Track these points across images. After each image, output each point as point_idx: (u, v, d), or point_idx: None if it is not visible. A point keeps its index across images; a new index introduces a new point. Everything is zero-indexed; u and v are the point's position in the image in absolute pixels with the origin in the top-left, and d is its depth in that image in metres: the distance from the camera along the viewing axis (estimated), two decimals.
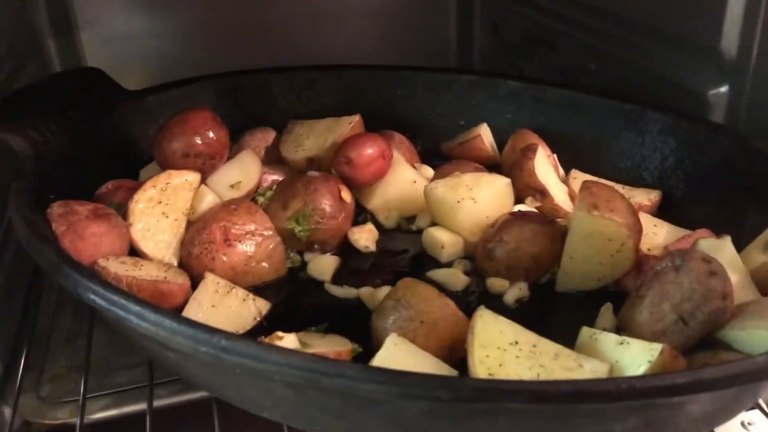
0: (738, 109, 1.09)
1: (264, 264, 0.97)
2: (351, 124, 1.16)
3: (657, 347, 0.72)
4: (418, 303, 0.81)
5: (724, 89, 1.11)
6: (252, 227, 0.97)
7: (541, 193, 1.08)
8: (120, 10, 1.52)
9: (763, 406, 0.89)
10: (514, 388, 0.62)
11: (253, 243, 0.96)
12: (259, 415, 0.75)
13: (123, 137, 1.15)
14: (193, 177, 1.03)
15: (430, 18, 1.72)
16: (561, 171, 1.18)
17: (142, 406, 0.90)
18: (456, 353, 0.80)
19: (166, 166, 1.05)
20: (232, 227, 0.96)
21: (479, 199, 1.02)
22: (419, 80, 1.31)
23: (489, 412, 0.64)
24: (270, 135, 1.20)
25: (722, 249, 0.87)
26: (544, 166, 1.10)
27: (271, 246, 0.98)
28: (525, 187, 1.09)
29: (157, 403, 0.92)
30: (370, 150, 1.08)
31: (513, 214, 1.00)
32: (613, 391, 0.60)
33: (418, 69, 1.33)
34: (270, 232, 0.98)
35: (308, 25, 1.60)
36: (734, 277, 0.82)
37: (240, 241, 0.95)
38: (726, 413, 0.74)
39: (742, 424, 0.91)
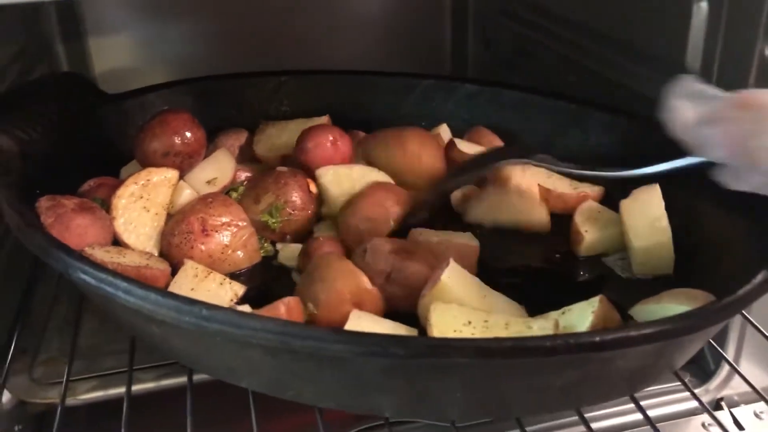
0: None
1: (239, 253, 1.04)
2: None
3: (595, 299, 0.82)
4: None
5: None
6: (227, 219, 1.04)
7: None
8: (128, 17, 1.57)
9: None
10: (462, 344, 0.70)
11: (229, 233, 1.03)
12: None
13: (103, 137, 1.21)
14: (172, 174, 1.10)
15: (426, 32, 1.79)
16: None
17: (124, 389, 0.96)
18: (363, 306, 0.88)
19: (146, 164, 1.12)
20: (209, 219, 1.03)
21: None
22: (383, 84, 1.39)
23: (444, 369, 0.72)
24: (243, 135, 1.28)
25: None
26: None
27: (245, 236, 1.05)
28: None
29: (138, 387, 0.99)
30: (321, 137, 1.17)
31: None
32: (549, 346, 0.69)
33: (382, 74, 1.41)
34: (244, 223, 1.05)
35: (312, 34, 1.67)
36: None
37: (217, 231, 1.02)
38: (655, 371, 0.83)
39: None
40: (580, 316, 0.82)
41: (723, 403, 1.07)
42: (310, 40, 1.67)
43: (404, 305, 0.91)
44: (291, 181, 1.10)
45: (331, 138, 1.17)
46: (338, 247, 1.02)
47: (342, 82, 1.38)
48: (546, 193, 1.18)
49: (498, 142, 1.27)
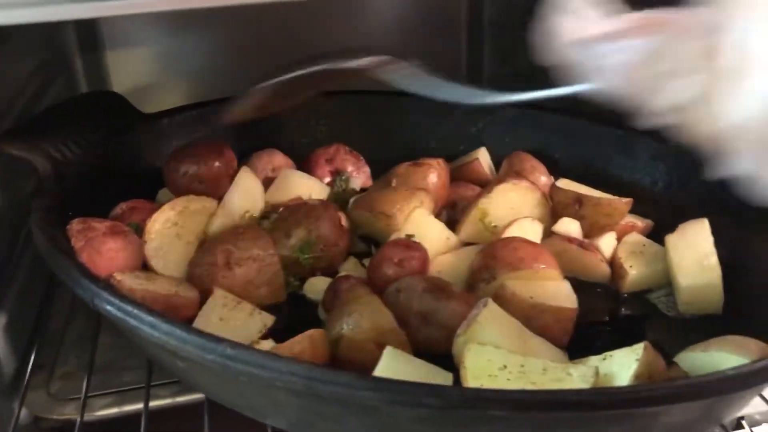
0: None
1: (263, 289, 0.99)
2: None
3: (639, 346, 0.77)
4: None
5: None
6: (255, 252, 0.99)
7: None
8: (146, 31, 1.56)
9: None
10: (498, 396, 0.66)
11: (254, 269, 0.98)
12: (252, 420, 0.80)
13: (137, 158, 1.20)
14: (210, 204, 1.08)
15: (441, 45, 1.76)
16: None
17: (142, 405, 0.95)
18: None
19: (171, 189, 1.13)
20: (235, 251, 0.98)
21: None
22: (422, 106, 1.36)
23: (477, 420, 0.68)
24: (275, 157, 1.25)
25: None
26: None
27: (271, 272, 1.00)
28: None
29: (154, 404, 0.97)
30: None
31: None
32: (591, 400, 0.65)
33: (421, 96, 1.38)
34: (272, 259, 1.00)
35: (327, 47, 1.63)
36: None
37: (240, 266, 0.98)
38: (700, 425, 0.78)
39: None
40: (623, 364, 0.77)
41: (744, 422, 1.01)
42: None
43: (444, 347, 0.86)
44: (324, 215, 1.05)
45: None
46: (367, 287, 0.97)
47: (380, 102, 1.35)
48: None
49: (541, 168, 1.23)
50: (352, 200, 1.18)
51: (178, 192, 1.11)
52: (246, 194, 1.14)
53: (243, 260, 0.98)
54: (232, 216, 1.10)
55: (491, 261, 0.96)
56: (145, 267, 1.01)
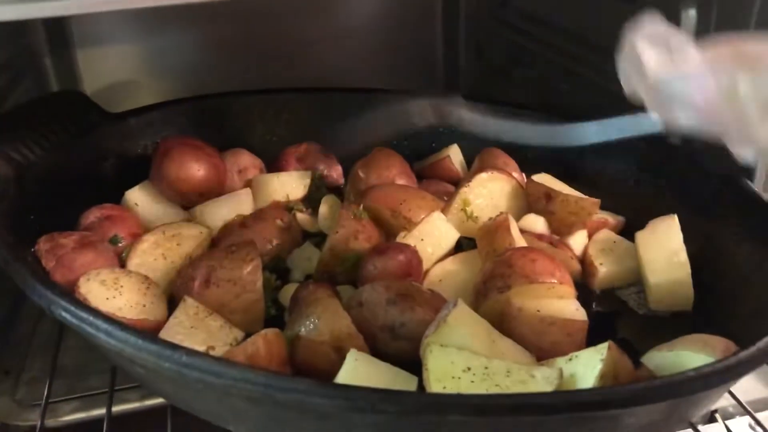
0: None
1: (237, 316, 0.92)
2: None
3: (603, 346, 0.76)
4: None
5: None
6: (237, 275, 0.93)
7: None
8: (119, 29, 1.54)
9: None
10: (456, 401, 0.65)
11: (232, 293, 0.92)
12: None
13: (104, 158, 1.18)
14: (205, 232, 1.07)
15: (417, 40, 1.76)
16: None
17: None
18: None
19: (160, 187, 1.13)
20: (218, 270, 0.93)
21: None
22: (392, 102, 1.34)
23: (437, 425, 0.67)
24: (242, 157, 1.23)
25: None
26: None
27: (250, 300, 0.93)
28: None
29: (120, 408, 0.97)
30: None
31: None
32: (550, 403, 0.64)
33: (391, 92, 1.36)
34: (254, 287, 0.93)
35: (304, 43, 1.63)
36: None
37: (218, 286, 0.92)
38: (668, 424, 0.77)
39: None
40: (587, 365, 0.76)
41: (717, 415, 1.01)
42: (302, 49, 1.63)
43: (415, 357, 0.81)
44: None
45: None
46: (329, 290, 0.95)
47: (350, 100, 1.34)
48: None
49: (512, 165, 1.22)
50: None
51: (174, 192, 1.12)
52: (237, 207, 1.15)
53: (222, 281, 0.92)
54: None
55: (507, 269, 0.92)
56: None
